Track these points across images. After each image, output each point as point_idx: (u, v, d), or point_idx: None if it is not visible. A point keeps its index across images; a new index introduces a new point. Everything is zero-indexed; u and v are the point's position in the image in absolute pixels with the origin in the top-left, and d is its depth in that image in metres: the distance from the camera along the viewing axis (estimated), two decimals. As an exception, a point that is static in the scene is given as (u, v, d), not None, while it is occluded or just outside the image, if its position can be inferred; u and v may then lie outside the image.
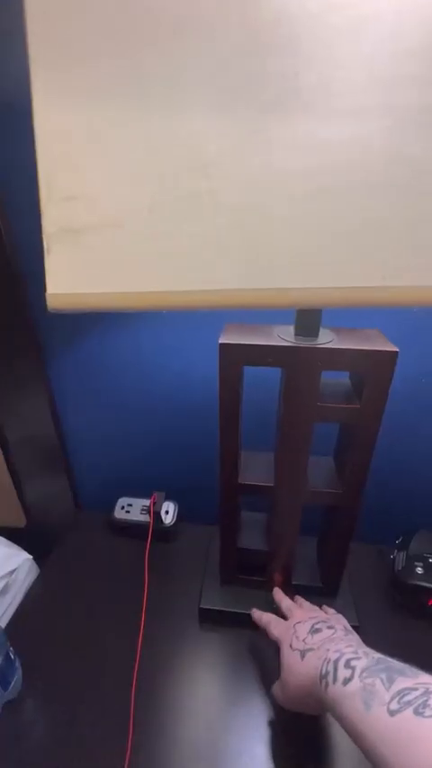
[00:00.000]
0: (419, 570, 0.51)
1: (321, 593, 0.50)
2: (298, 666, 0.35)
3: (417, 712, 0.23)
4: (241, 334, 0.37)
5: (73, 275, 0.24)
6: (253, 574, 0.51)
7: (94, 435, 0.68)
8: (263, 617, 0.45)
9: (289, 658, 0.37)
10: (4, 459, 0.68)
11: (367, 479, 0.41)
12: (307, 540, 0.54)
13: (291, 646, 0.38)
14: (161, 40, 0.22)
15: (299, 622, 0.40)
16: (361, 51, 0.20)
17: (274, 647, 0.48)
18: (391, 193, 0.22)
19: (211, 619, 0.51)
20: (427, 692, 0.24)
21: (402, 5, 0.20)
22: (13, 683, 0.43)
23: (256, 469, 0.46)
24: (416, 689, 0.24)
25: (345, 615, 0.47)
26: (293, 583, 0.51)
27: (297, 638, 0.38)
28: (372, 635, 0.43)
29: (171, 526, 0.62)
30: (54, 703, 0.44)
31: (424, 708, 0.23)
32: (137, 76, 0.22)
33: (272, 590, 0.50)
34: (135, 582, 0.56)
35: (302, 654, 0.36)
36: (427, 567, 0.52)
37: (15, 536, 0.70)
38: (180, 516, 0.64)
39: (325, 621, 0.39)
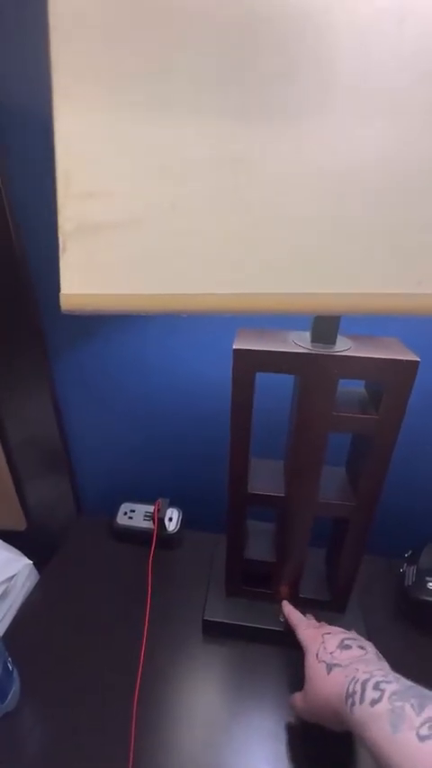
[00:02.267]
0: (431, 585, 0.50)
1: (330, 608, 0.49)
2: (323, 681, 0.35)
3: None
4: (255, 340, 0.36)
5: (88, 275, 0.23)
6: (259, 585, 0.50)
7: (97, 439, 0.67)
8: (292, 615, 0.45)
9: (314, 669, 0.36)
10: (6, 462, 0.67)
11: (382, 493, 0.39)
12: (315, 552, 0.53)
13: (317, 655, 0.37)
14: (187, 36, 0.21)
15: (328, 633, 0.39)
16: (401, 46, 0.20)
17: (279, 662, 0.47)
18: (425, 196, 0.21)
19: (214, 631, 0.49)
20: None
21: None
22: (11, 695, 0.41)
23: (266, 479, 0.44)
24: None
25: (353, 630, 0.46)
26: (301, 596, 0.49)
27: (325, 649, 0.37)
28: (381, 650, 0.41)
29: (175, 533, 0.61)
30: (53, 715, 0.42)
31: None
32: (161, 73, 0.21)
33: (279, 602, 0.48)
34: (137, 589, 0.54)
35: (329, 667, 0.35)
36: (438, 582, 0.50)
37: (15, 540, 0.68)
38: (183, 523, 0.63)
39: (356, 639, 0.38)
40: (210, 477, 0.66)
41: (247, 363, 0.35)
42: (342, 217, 0.22)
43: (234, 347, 0.35)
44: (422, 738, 0.23)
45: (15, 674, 0.43)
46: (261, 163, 0.21)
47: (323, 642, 0.38)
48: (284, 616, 0.46)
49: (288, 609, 0.46)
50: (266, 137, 0.21)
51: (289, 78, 0.20)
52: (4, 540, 0.67)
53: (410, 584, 0.51)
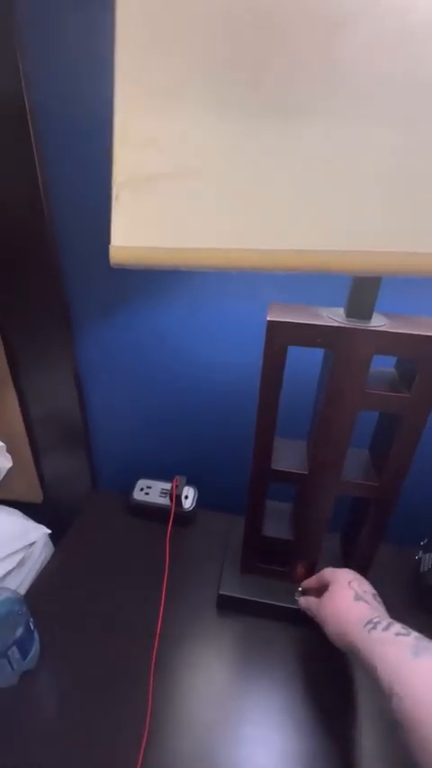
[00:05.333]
0: (446, 573, 0.50)
1: (344, 589, 0.49)
2: (347, 604, 0.36)
3: None
4: (288, 314, 0.36)
5: (140, 227, 0.23)
6: (274, 564, 0.50)
7: (116, 415, 0.67)
8: (313, 577, 0.45)
9: (341, 591, 0.38)
10: (26, 434, 0.68)
11: (407, 473, 0.39)
12: (330, 536, 0.53)
13: (350, 583, 0.38)
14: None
15: (363, 577, 0.41)
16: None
17: (291, 639, 0.47)
18: None
19: (229, 606, 0.50)
20: None
21: None
22: (31, 653, 0.42)
23: (288, 456, 0.44)
24: None
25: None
26: (316, 576, 0.49)
27: (360, 584, 0.39)
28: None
29: (190, 511, 0.61)
30: (71, 676, 0.43)
31: None
32: (226, 15, 0.21)
33: (293, 581, 0.49)
34: (152, 562, 0.55)
35: (357, 597, 0.37)
36: (454, 569, 0.50)
37: (31, 512, 0.70)
38: (198, 503, 0.63)
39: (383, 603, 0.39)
40: (226, 459, 0.66)
41: (281, 336, 0.35)
42: (397, 178, 0.21)
43: (268, 319, 0.35)
44: None
45: (36, 635, 0.44)
46: (326, 115, 0.20)
47: (358, 579, 0.39)
48: (303, 586, 0.46)
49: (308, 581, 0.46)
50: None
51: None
52: (20, 512, 0.69)
53: (426, 570, 0.51)
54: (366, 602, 0.36)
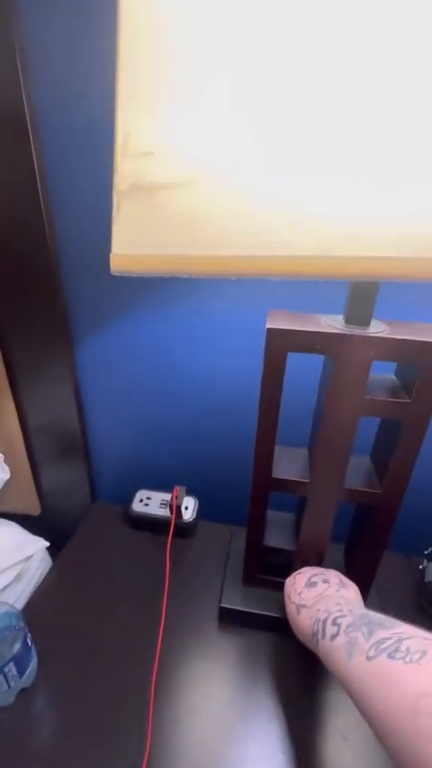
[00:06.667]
0: (452, 582, 0.49)
1: (348, 600, 0.48)
2: (295, 620, 0.39)
3: (389, 656, 0.26)
4: (287, 321, 0.36)
5: (141, 235, 0.23)
6: (276, 575, 0.50)
7: (115, 425, 0.67)
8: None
9: (288, 610, 0.41)
10: (24, 446, 0.68)
11: (410, 480, 0.39)
12: (334, 547, 0.52)
13: (290, 597, 0.41)
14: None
15: (299, 573, 0.44)
16: None
17: (294, 652, 0.46)
18: None
19: (230, 618, 0.49)
20: (399, 640, 0.27)
21: None
22: (28, 671, 0.41)
23: (289, 464, 0.44)
24: (390, 638, 0.27)
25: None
26: (319, 587, 0.49)
27: (295, 590, 0.41)
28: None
29: (191, 522, 0.60)
30: (69, 694, 0.42)
31: (395, 652, 0.26)
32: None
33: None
34: (152, 575, 0.54)
35: (298, 609, 0.39)
36: (459, 578, 0.49)
37: (29, 524, 0.69)
38: (198, 513, 0.62)
39: (322, 574, 0.42)
40: (226, 469, 0.65)
41: (280, 343, 0.35)
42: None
43: (267, 326, 0.35)
44: (370, 659, 0.27)
45: (34, 650, 0.43)
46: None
47: (294, 583, 0.42)
48: None
49: None
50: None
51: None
52: (18, 525, 0.68)
53: (431, 580, 0.51)
54: (306, 606, 0.38)
